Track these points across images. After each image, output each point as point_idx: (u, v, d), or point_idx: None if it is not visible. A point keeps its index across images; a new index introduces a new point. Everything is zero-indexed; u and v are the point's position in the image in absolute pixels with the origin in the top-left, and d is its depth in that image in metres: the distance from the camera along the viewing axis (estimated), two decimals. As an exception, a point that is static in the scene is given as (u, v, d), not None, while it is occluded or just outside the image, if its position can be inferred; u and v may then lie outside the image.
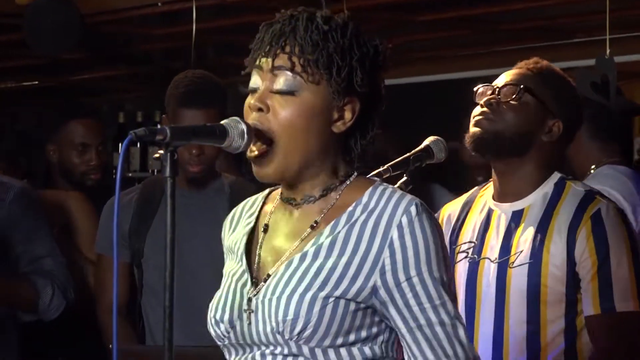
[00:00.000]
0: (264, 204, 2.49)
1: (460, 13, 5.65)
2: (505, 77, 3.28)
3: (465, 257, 3.31)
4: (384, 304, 2.29)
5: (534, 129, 3.25)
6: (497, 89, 3.23)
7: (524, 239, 3.18)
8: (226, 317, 2.39)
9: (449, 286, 2.31)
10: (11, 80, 7.41)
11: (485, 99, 3.23)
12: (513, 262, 3.20)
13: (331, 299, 2.28)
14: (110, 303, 4.12)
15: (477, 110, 3.24)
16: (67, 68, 7.11)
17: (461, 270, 3.30)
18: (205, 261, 3.64)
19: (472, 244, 3.31)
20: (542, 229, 3.17)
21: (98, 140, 5.05)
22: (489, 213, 3.29)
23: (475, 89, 3.28)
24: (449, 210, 3.41)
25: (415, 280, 2.27)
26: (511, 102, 3.22)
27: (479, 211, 3.32)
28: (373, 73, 2.37)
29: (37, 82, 7.51)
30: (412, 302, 2.28)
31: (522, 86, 3.22)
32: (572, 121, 3.32)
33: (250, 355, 2.37)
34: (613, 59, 4.37)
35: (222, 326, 2.39)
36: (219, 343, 2.43)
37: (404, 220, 2.28)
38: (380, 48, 2.37)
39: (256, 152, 2.31)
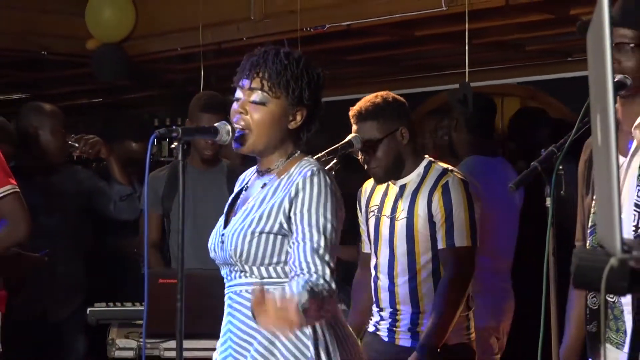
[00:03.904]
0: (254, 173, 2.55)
1: (375, 55, 5.73)
2: (359, 138, 3.18)
3: (373, 215, 3.36)
4: (290, 230, 2.33)
5: (397, 149, 3.25)
6: (363, 152, 3.22)
7: (405, 202, 3.27)
8: (212, 246, 2.47)
9: (331, 224, 2.28)
10: (84, 98, 7.47)
11: (363, 161, 3.26)
12: (398, 217, 3.26)
13: (256, 233, 2.33)
14: (149, 241, 3.96)
15: (366, 165, 3.28)
16: (120, 90, 7.18)
17: (371, 223, 3.37)
18: (211, 213, 3.35)
19: (377, 206, 3.34)
20: (414, 195, 3.25)
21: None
22: (387, 186, 3.35)
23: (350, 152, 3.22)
24: (367, 185, 3.44)
25: (305, 214, 2.29)
26: (377, 153, 3.22)
27: (383, 185, 3.37)
28: (316, 91, 2.41)
29: (101, 99, 7.57)
30: (301, 225, 2.29)
31: (376, 140, 3.20)
32: (405, 116, 3.27)
33: (225, 271, 2.44)
34: (469, 84, 4.27)
35: (212, 252, 2.48)
36: (216, 263, 2.50)
37: (300, 180, 2.32)
38: (321, 75, 2.42)
39: (236, 135, 2.36)
